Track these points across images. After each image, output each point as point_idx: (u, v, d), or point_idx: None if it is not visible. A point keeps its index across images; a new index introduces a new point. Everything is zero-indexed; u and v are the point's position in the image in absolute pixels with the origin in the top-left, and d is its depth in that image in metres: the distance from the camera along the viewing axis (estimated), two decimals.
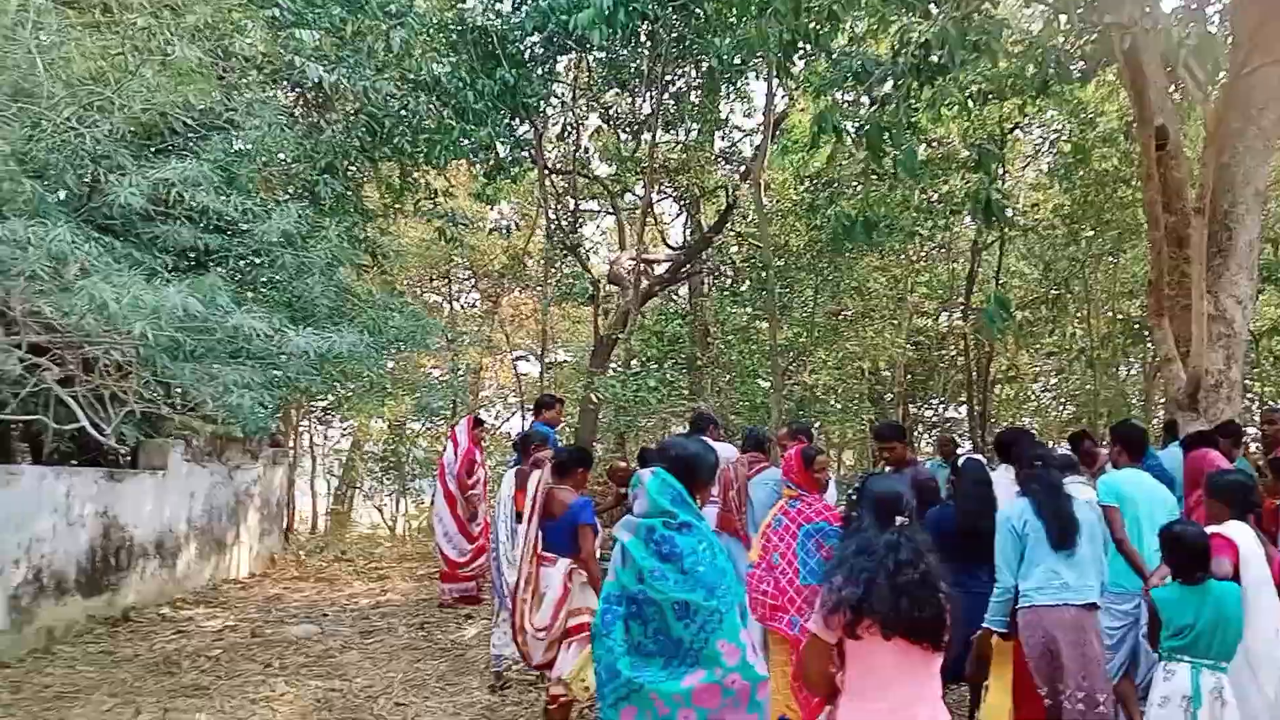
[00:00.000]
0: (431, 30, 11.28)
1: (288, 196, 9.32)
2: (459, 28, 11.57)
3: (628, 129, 14.07)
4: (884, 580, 2.92)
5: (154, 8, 7.41)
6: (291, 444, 14.59)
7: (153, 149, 7.76)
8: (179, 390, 6.27)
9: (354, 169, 11.23)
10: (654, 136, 13.02)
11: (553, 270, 14.42)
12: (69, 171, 6.93)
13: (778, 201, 13.57)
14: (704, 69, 12.47)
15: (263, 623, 7.82)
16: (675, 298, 15.99)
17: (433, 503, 16.24)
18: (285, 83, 10.64)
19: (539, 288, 16.36)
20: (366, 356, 7.50)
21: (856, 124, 8.89)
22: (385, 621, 8.01)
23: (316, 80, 9.59)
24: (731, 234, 13.75)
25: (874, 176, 10.06)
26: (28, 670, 6.34)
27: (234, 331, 5.92)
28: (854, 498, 3.39)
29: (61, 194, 7.27)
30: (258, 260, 8.30)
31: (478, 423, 9.27)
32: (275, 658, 6.79)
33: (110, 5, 7.60)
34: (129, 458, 8.72)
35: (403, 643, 7.31)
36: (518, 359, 19.85)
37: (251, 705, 5.78)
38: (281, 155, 9.55)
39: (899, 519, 3.12)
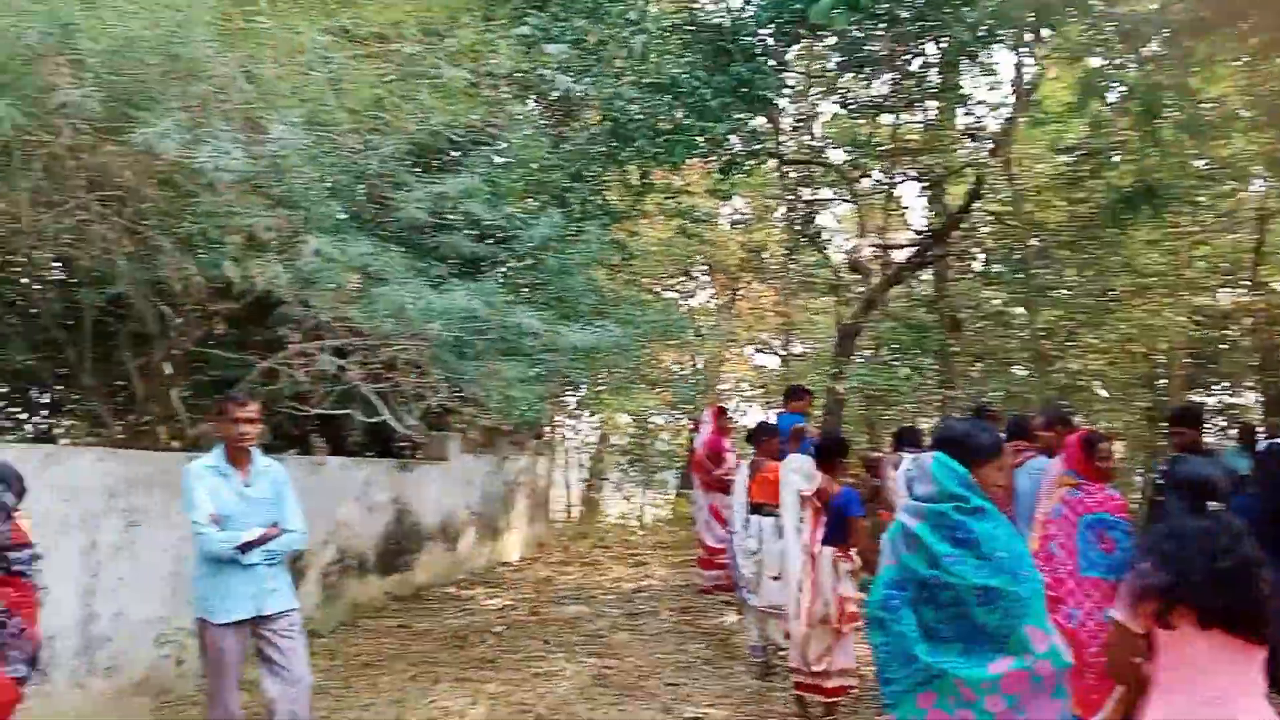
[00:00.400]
0: (666, 32, 11.56)
1: (539, 204, 9.87)
2: (691, 28, 11.77)
3: (864, 113, 13.81)
4: (1199, 567, 2.77)
5: (421, 35, 8.06)
6: (555, 437, 15.37)
7: (426, 165, 8.44)
8: (462, 386, 6.79)
9: (597, 173, 11.71)
10: (896, 118, 12.71)
11: (792, 261, 14.38)
12: (358, 190, 7.66)
13: (1032, 177, 12.86)
14: (944, 45, 12.05)
15: (538, 603, 8.34)
16: (918, 283, 15.52)
17: (678, 492, 16.64)
18: (532, 95, 11.26)
19: (777, 279, 16.37)
20: (626, 350, 7.83)
21: (1124, 87, 8.33)
22: (649, 605, 8.35)
23: (564, 91, 10.07)
24: (981, 214, 13.18)
25: (1149, 143, 9.34)
26: (339, 640, 7.09)
27: (511, 330, 6.37)
28: (1161, 483, 3.21)
29: (343, 213, 8.07)
30: (522, 264, 8.86)
31: (722, 412, 9.43)
32: (552, 635, 7.24)
33: (386, 35, 8.34)
34: (411, 450, 9.54)
35: (667, 626, 7.60)
36: (757, 351, 19.98)
37: (535, 679, 6.20)
38: (533, 164, 10.12)
39: (1212, 504, 2.94)
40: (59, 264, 8.03)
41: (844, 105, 14.10)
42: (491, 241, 8.43)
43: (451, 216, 7.67)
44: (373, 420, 6.68)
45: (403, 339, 6.30)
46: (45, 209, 6.29)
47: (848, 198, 15.54)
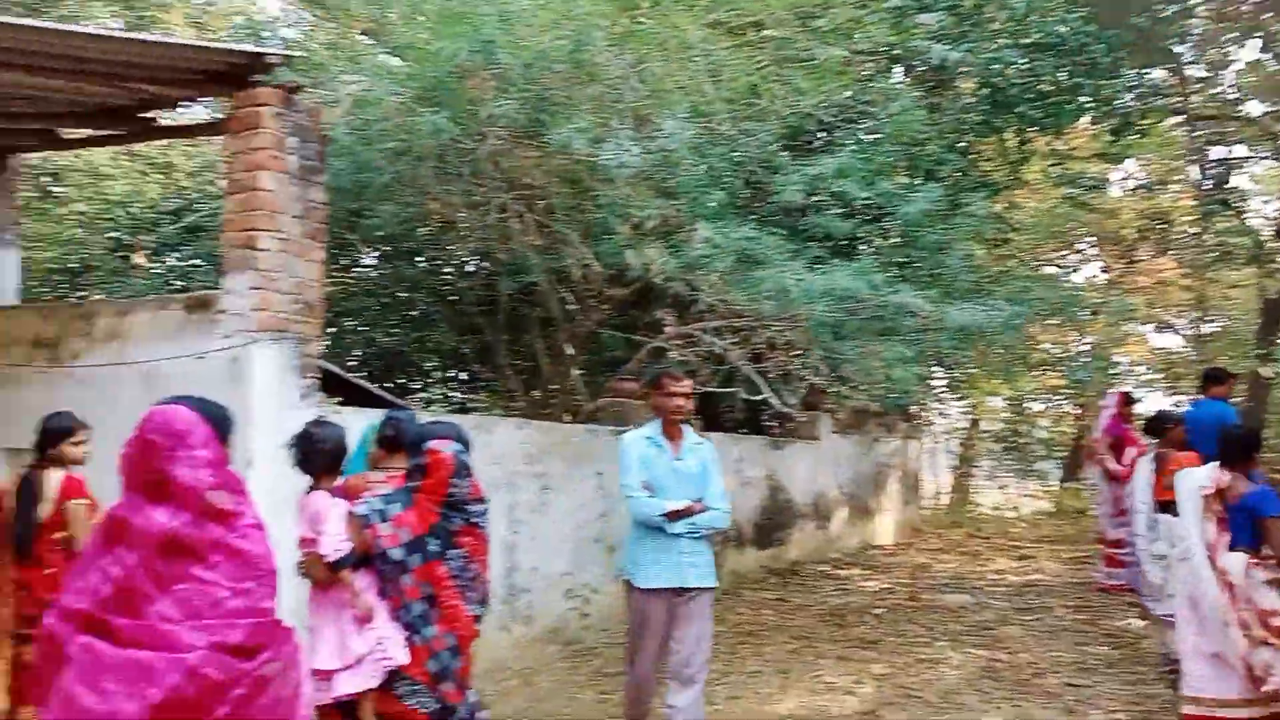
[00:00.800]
0: None
1: (913, 179, 9.57)
2: None
3: None
4: None
5: (794, 18, 8.11)
6: (924, 420, 14.93)
7: (799, 147, 8.51)
8: (839, 366, 6.78)
9: (973, 143, 11.15)
10: None
11: (1202, 228, 12.80)
12: (736, 177, 7.89)
13: None
14: None
15: (917, 588, 8.17)
16: None
17: (1061, 484, 15.50)
18: (902, 67, 10.96)
19: (1183, 249, 14.65)
20: (1012, 329, 7.41)
21: None
22: (1040, 600, 7.87)
23: (939, 60, 9.69)
24: None
25: None
26: (723, 608, 7.37)
27: (888, 309, 6.27)
28: None
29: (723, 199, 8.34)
30: (893, 241, 8.67)
31: (1128, 400, 8.59)
32: (935, 623, 7.07)
33: (761, 22, 8.51)
34: (781, 428, 9.71)
35: (1062, 624, 7.12)
36: (1158, 330, 18.03)
37: (919, 665, 6.08)
38: (906, 139, 9.84)
39: None
40: (479, 258, 9.12)
41: (1265, 49, 12.31)
42: (863, 220, 8.33)
43: (823, 197, 7.66)
44: (750, 399, 6.89)
45: (780, 320, 6.43)
46: (470, 210, 7.16)
47: (1270, 155, 13.56)
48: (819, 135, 8.83)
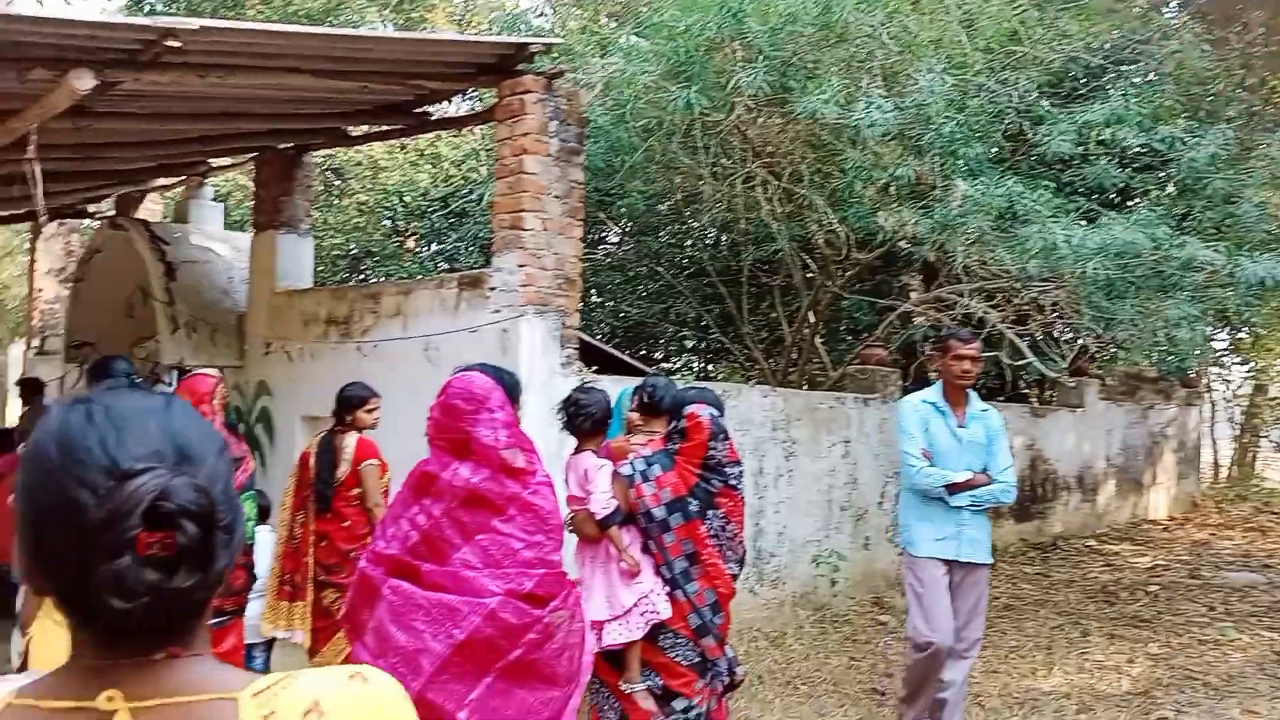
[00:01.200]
0: None
1: (1193, 121, 8.70)
2: None
3: None
4: None
5: None
6: (1203, 386, 13.68)
7: (1062, 95, 7.94)
8: (1112, 328, 6.33)
9: (1263, 79, 10.00)
10: None
11: None
12: (994, 129, 7.49)
13: None
14: None
15: (1197, 566, 7.58)
16: None
17: None
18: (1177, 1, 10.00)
19: None
20: None
21: None
22: None
23: None
24: None
25: None
26: None
27: (1171, 265, 5.77)
28: None
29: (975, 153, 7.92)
30: (1167, 191, 7.94)
31: None
32: (1218, 602, 6.54)
33: None
34: (1040, 395, 9.20)
35: None
36: None
37: (1199, 646, 5.66)
38: (1188, 78, 8.97)
39: None
40: (721, 229, 9.22)
41: None
42: (1137, 169, 7.70)
43: (1106, 145, 7.10)
44: (1011, 364, 6.57)
45: (1044, 280, 6.07)
46: (716, 181, 7.23)
47: None
48: (1082, 81, 8.22)
